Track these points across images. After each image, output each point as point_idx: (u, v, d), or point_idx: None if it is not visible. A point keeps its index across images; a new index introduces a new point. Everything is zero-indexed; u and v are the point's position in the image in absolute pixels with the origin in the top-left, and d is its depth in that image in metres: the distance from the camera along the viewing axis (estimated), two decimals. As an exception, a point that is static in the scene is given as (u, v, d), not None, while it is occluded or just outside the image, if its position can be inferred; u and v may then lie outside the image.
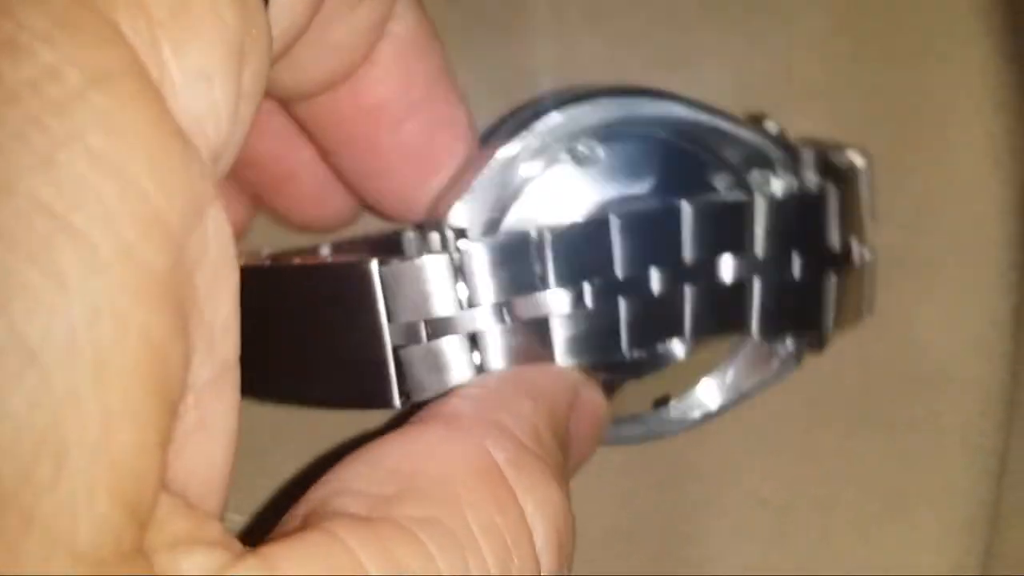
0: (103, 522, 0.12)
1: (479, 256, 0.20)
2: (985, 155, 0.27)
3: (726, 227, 0.22)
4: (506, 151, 0.21)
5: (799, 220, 0.23)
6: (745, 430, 0.28)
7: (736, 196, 0.22)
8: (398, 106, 0.23)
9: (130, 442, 0.12)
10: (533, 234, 0.20)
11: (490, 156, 0.22)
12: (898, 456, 0.27)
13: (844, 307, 0.24)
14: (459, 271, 0.20)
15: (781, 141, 0.23)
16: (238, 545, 0.14)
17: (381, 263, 0.19)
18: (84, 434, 0.12)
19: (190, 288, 0.13)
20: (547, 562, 0.18)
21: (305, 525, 0.16)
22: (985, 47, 0.28)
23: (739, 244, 0.22)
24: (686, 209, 0.21)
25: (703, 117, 0.22)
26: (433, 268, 0.20)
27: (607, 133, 0.22)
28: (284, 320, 0.21)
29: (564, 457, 0.20)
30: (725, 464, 0.28)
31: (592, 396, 0.22)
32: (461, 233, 0.21)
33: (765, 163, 0.23)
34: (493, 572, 0.17)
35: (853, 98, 0.28)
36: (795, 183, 0.23)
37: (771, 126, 0.24)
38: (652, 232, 0.21)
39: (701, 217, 0.21)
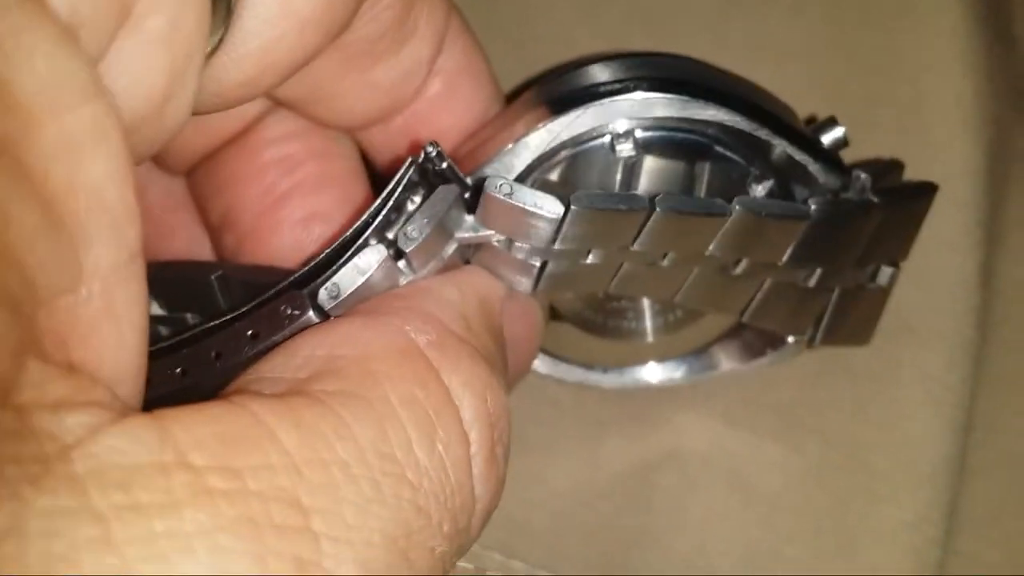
0: None
1: (498, 205, 0.19)
2: (954, 116, 0.28)
3: (755, 238, 0.21)
4: (562, 122, 0.20)
5: (828, 239, 0.22)
6: (709, 381, 0.28)
7: (774, 209, 0.21)
8: (450, 141, 0.23)
9: None
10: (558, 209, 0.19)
11: (541, 120, 0.21)
12: (860, 408, 0.27)
13: (843, 324, 0.25)
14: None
15: (831, 159, 0.23)
16: (132, 409, 0.14)
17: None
18: None
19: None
20: (477, 436, 0.18)
21: None
22: (957, 10, 0.28)
23: (763, 253, 0.22)
24: (725, 216, 0.20)
25: (752, 127, 0.21)
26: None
27: (657, 123, 0.21)
28: None
29: (499, 353, 0.20)
30: (691, 417, 0.28)
31: (525, 299, 0.22)
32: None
33: (807, 180, 0.22)
34: (415, 442, 0.16)
35: (828, 59, 0.29)
36: (834, 203, 0.22)
37: (834, 135, 0.23)
38: (685, 230, 0.20)
39: (735, 227, 0.20)
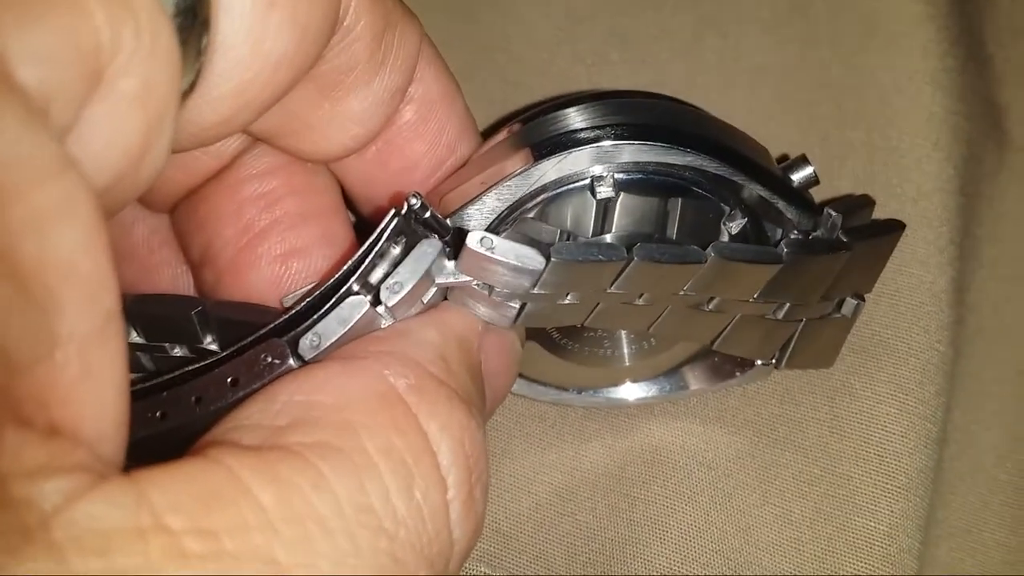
0: None
1: (479, 258, 0.20)
2: (926, 135, 0.28)
3: (728, 281, 0.22)
4: (543, 167, 0.21)
5: (798, 278, 0.22)
6: (692, 400, 0.28)
7: (748, 254, 0.21)
8: (422, 168, 0.23)
9: None
10: (539, 262, 0.20)
11: (524, 163, 0.21)
12: (837, 423, 0.28)
13: (808, 350, 0.26)
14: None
15: (802, 199, 0.23)
16: (111, 471, 0.14)
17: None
18: None
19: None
20: (455, 481, 0.18)
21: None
22: (928, 31, 0.29)
23: (735, 292, 0.22)
24: (700, 263, 0.20)
25: (727, 171, 0.22)
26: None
27: (636, 167, 0.21)
28: None
29: (477, 391, 0.20)
30: (672, 431, 0.29)
31: (502, 333, 0.22)
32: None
33: (779, 219, 0.23)
34: (393, 492, 0.16)
35: (800, 79, 0.30)
36: (806, 245, 0.22)
37: (804, 173, 0.24)
38: (660, 275, 0.21)
39: (710, 271, 0.21)
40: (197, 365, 0.20)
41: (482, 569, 0.27)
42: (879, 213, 0.29)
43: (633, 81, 0.30)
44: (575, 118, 0.21)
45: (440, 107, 0.23)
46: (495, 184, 0.21)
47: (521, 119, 0.23)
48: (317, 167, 0.24)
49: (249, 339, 0.20)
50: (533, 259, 0.19)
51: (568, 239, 0.22)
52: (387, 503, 0.16)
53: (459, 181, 0.22)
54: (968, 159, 0.29)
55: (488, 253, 0.19)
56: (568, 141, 0.21)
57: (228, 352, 0.20)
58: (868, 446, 0.27)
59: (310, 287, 0.22)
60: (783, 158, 0.24)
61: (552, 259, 0.19)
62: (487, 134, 0.27)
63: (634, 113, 0.22)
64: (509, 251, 0.19)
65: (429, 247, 0.20)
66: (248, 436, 0.16)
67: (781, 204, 0.22)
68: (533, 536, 0.28)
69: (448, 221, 0.20)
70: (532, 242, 0.20)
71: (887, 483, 0.27)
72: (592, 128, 0.21)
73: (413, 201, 0.19)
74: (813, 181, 0.23)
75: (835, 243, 0.22)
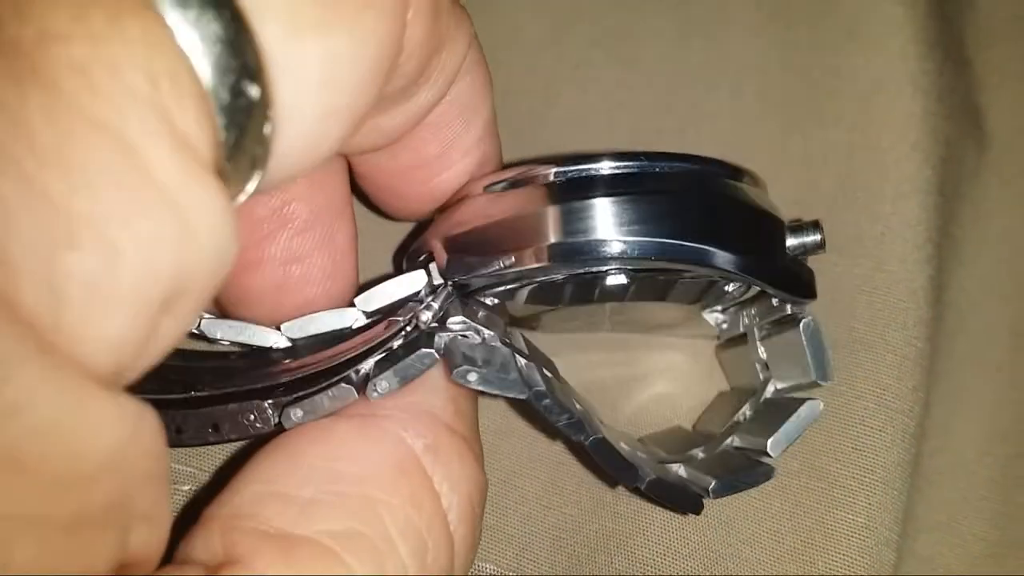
0: None
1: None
2: (904, 136, 0.29)
3: None
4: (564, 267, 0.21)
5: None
6: (673, 393, 0.29)
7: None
8: (438, 164, 0.23)
9: None
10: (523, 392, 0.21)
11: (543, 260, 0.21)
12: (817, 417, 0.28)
13: None
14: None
15: (798, 294, 0.24)
16: None
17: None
18: None
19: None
20: (460, 535, 0.20)
21: (229, 550, 0.17)
22: (907, 33, 0.29)
23: None
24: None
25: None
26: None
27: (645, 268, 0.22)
28: None
29: (474, 414, 0.22)
30: (654, 425, 0.29)
31: None
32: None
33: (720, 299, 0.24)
34: (409, 567, 0.18)
35: (782, 81, 0.30)
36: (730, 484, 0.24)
37: (813, 239, 0.23)
38: None
39: None
40: (180, 396, 0.21)
41: (487, 567, 0.28)
42: (860, 212, 0.29)
43: (619, 82, 0.31)
44: (603, 229, 0.21)
45: (465, 114, 0.23)
46: (514, 268, 0.21)
47: (556, 198, 0.21)
48: (334, 160, 0.23)
49: (236, 388, 0.21)
50: (517, 387, 0.21)
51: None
52: None
53: (478, 222, 0.22)
54: (947, 159, 0.29)
55: (470, 386, 0.21)
56: (589, 254, 0.20)
57: (211, 394, 0.21)
58: (846, 440, 0.28)
59: (307, 318, 0.23)
60: (796, 221, 0.23)
61: (531, 397, 0.21)
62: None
63: (659, 224, 0.21)
64: (494, 385, 0.21)
65: (425, 360, 0.21)
66: (276, 515, 0.18)
67: (772, 292, 0.23)
68: (519, 529, 0.28)
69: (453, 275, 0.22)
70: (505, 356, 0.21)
71: (865, 477, 0.28)
72: (616, 241, 0.20)
73: (424, 318, 0.21)
74: (818, 247, 0.23)
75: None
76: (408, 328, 0.21)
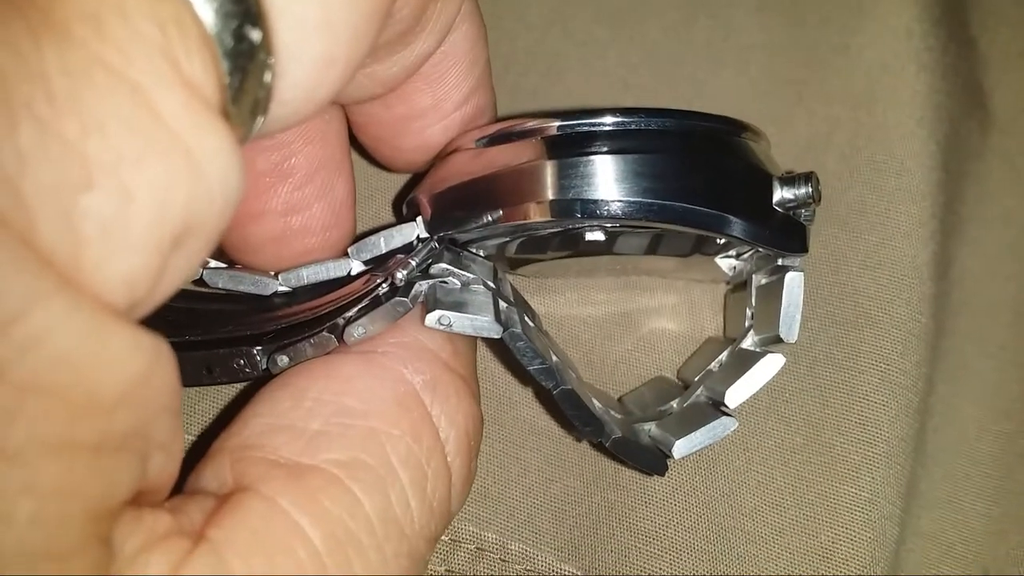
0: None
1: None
2: (910, 112, 0.29)
3: None
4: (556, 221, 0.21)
5: None
6: (676, 367, 0.29)
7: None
8: (432, 115, 0.24)
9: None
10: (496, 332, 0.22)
11: (542, 215, 0.21)
12: (820, 392, 0.28)
13: None
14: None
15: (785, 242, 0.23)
16: (187, 524, 0.16)
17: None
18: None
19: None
20: (457, 466, 0.21)
21: (238, 479, 0.18)
22: (912, 12, 0.29)
23: None
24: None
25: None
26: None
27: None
28: None
29: (472, 355, 0.22)
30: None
31: None
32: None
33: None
34: (410, 496, 0.19)
35: (788, 58, 0.30)
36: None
37: (800, 192, 0.23)
38: None
39: None
40: (176, 340, 0.22)
41: (471, 528, 0.28)
42: (865, 187, 0.29)
43: (623, 60, 0.31)
44: (601, 177, 0.21)
45: (460, 66, 0.23)
46: (494, 224, 0.21)
47: (552, 143, 0.21)
48: (332, 112, 0.24)
49: (228, 334, 0.23)
50: (490, 328, 0.21)
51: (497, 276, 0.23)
52: (407, 509, 0.19)
53: (474, 171, 0.22)
54: (951, 136, 0.29)
55: (446, 329, 0.21)
56: (587, 210, 0.21)
57: (204, 339, 0.23)
58: (850, 415, 0.28)
59: (303, 267, 0.24)
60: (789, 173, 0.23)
61: (504, 337, 0.22)
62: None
63: (643, 184, 0.21)
64: (467, 326, 0.21)
65: (399, 308, 0.21)
66: (284, 445, 0.19)
67: (760, 247, 0.23)
68: (521, 500, 0.28)
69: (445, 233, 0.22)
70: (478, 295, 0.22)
71: (869, 451, 0.28)
72: (613, 202, 0.21)
73: (400, 275, 0.21)
74: (809, 200, 0.22)
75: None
76: (386, 283, 0.21)
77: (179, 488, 0.17)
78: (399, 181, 0.29)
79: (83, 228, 0.13)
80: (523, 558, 0.28)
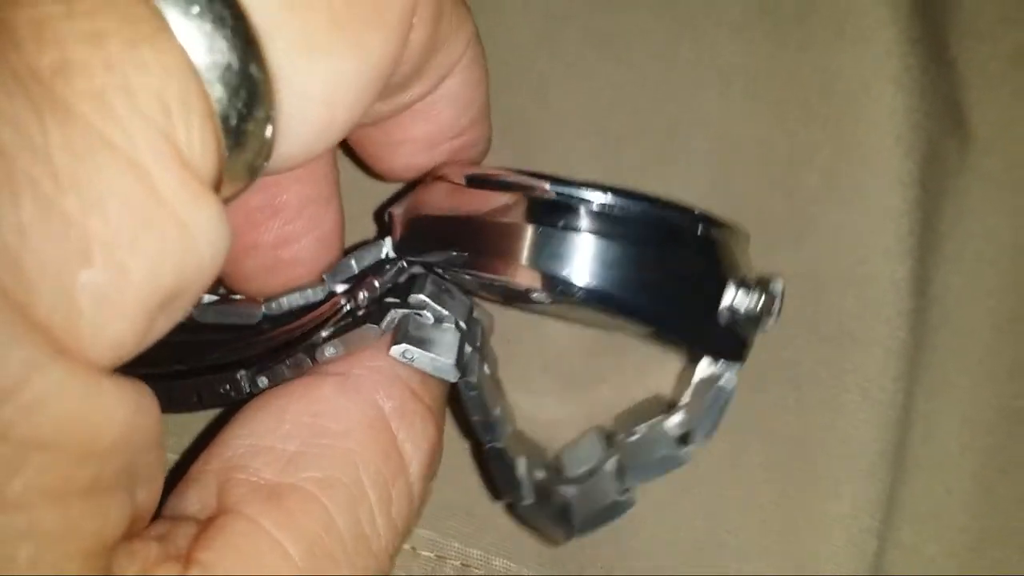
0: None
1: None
2: (888, 130, 0.29)
3: None
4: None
5: None
6: (658, 384, 0.30)
7: None
8: (423, 143, 0.24)
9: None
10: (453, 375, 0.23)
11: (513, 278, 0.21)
12: (802, 409, 0.29)
13: None
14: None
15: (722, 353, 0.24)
16: (173, 550, 0.17)
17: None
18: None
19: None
20: (418, 489, 0.22)
21: (222, 501, 0.19)
22: (891, 33, 0.30)
23: None
24: None
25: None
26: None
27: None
28: None
29: (438, 386, 0.23)
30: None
31: None
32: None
33: None
34: (377, 515, 0.20)
35: (769, 79, 0.31)
36: None
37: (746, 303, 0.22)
38: None
39: None
40: (164, 371, 0.23)
41: (456, 545, 0.28)
42: (845, 206, 0.30)
43: (610, 81, 0.32)
44: (576, 255, 0.21)
45: (455, 107, 0.23)
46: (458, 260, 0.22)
47: (537, 206, 0.21)
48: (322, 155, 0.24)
49: (215, 361, 0.24)
50: (448, 372, 0.22)
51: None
52: (374, 527, 0.20)
53: (441, 203, 0.23)
54: (929, 155, 0.30)
55: (408, 363, 0.22)
56: (551, 285, 0.21)
57: (196, 367, 0.24)
58: (832, 431, 0.28)
59: (290, 297, 0.25)
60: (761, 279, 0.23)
61: (459, 383, 0.23)
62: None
63: (618, 272, 0.21)
64: (427, 364, 0.22)
65: (368, 333, 0.22)
66: (265, 466, 0.19)
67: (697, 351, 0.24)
68: (505, 517, 0.29)
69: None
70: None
71: (850, 467, 0.28)
72: (581, 289, 0.21)
73: (362, 297, 0.22)
74: (755, 315, 0.22)
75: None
76: (348, 304, 0.22)
77: (160, 507, 0.18)
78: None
79: (79, 300, 0.13)
80: (507, 572, 0.28)
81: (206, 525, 0.18)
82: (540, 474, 0.26)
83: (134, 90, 0.14)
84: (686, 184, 0.30)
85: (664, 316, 0.21)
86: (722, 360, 0.23)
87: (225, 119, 0.15)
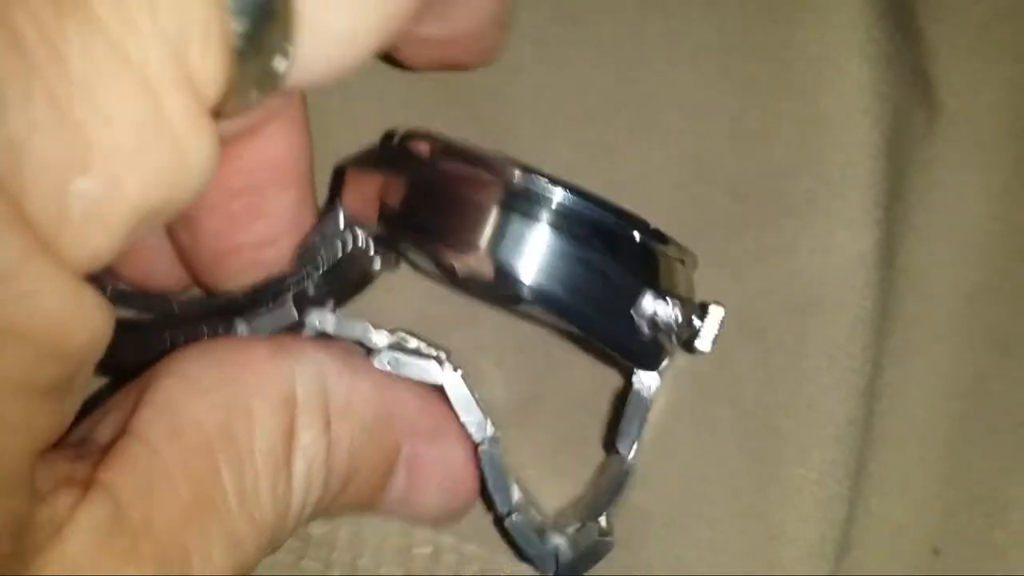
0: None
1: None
2: (855, 103, 0.30)
3: None
4: None
5: None
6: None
7: None
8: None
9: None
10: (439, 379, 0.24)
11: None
12: (770, 377, 0.29)
13: None
14: None
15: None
16: (80, 471, 0.17)
17: None
18: None
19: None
20: (318, 483, 0.22)
21: (130, 426, 0.19)
22: (856, 5, 0.30)
23: None
24: None
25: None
26: None
27: None
28: None
29: None
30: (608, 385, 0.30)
31: None
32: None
33: None
34: (262, 486, 0.20)
35: (739, 54, 0.31)
36: None
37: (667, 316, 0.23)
38: None
39: None
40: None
41: (426, 533, 0.28)
42: (812, 178, 0.30)
43: (579, 58, 0.32)
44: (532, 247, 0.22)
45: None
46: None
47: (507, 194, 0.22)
48: (302, 154, 0.25)
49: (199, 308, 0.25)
50: (434, 375, 0.23)
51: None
52: (257, 495, 0.20)
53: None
54: (896, 126, 0.30)
55: (392, 370, 0.23)
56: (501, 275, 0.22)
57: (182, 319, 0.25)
58: (799, 399, 0.29)
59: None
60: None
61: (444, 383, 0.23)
62: (431, 111, 0.29)
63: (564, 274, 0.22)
64: (413, 370, 0.23)
65: (281, 319, 0.24)
66: (176, 402, 0.20)
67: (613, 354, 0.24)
68: (477, 504, 0.29)
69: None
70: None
71: (817, 433, 0.29)
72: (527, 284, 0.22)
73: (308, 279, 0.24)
74: (670, 326, 0.23)
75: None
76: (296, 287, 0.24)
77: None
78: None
79: (70, 207, 0.14)
80: (479, 558, 0.28)
81: (108, 446, 0.18)
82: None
83: (157, 7, 0.14)
84: (659, 159, 0.31)
85: (584, 314, 0.22)
86: (639, 369, 0.24)
87: (243, 54, 0.15)
